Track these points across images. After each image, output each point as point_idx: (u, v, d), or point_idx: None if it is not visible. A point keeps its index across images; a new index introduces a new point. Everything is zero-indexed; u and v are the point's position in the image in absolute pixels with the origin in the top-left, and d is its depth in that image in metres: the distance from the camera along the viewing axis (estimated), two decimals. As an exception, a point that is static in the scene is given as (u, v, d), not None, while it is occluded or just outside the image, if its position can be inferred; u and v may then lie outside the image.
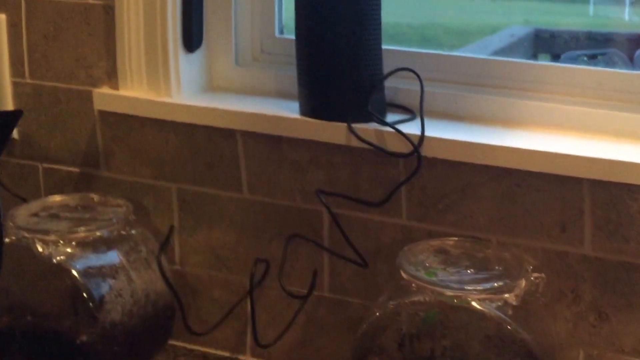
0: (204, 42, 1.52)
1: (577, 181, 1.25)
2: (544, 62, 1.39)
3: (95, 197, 1.52)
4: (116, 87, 1.51)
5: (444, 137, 1.30)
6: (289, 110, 1.41)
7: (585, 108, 1.33)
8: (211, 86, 1.56)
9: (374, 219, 1.40)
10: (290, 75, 1.45)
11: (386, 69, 1.37)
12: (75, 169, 1.61)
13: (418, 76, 1.36)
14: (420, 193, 1.36)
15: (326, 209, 1.38)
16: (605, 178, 1.22)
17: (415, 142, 1.29)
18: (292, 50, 1.40)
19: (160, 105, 1.47)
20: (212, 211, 1.52)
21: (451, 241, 1.32)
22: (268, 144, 1.44)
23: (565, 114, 1.34)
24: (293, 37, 1.40)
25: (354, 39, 1.32)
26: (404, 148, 1.30)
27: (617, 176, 1.21)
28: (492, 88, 1.40)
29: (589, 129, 1.32)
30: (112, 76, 1.52)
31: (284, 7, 1.53)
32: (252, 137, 1.44)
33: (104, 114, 1.54)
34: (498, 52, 3.05)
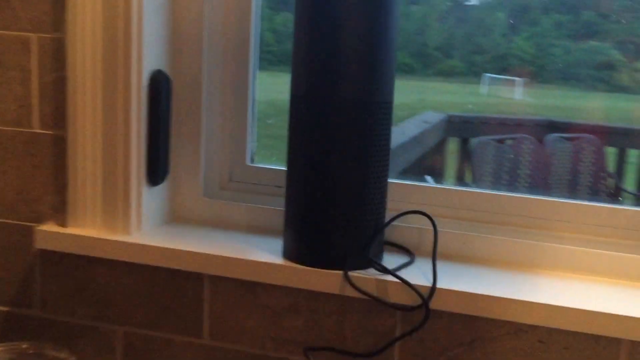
0: (170, 172, 1.36)
1: (614, 341, 1.10)
2: (564, 200, 1.25)
3: (31, 348, 1.30)
4: (63, 223, 1.34)
5: (456, 289, 1.13)
6: (265, 249, 1.25)
7: (608, 251, 1.22)
8: (175, 217, 1.40)
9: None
10: (261, 207, 1.35)
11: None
12: (5, 308, 1.42)
13: (432, 221, 1.20)
14: (417, 345, 1.20)
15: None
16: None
17: (424, 293, 1.12)
18: (263, 179, 1.32)
19: (115, 244, 1.28)
20: (164, 358, 1.33)
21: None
22: (240, 288, 1.27)
23: (589, 257, 1.22)
24: (264, 165, 1.32)
25: (359, 176, 1.14)
26: (406, 297, 1.13)
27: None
28: (502, 225, 1.28)
29: (617, 274, 1.20)
30: (59, 211, 1.36)
31: (255, 133, 1.41)
32: (222, 281, 1.28)
33: (45, 252, 1.38)
34: (414, 138, 3.07)
